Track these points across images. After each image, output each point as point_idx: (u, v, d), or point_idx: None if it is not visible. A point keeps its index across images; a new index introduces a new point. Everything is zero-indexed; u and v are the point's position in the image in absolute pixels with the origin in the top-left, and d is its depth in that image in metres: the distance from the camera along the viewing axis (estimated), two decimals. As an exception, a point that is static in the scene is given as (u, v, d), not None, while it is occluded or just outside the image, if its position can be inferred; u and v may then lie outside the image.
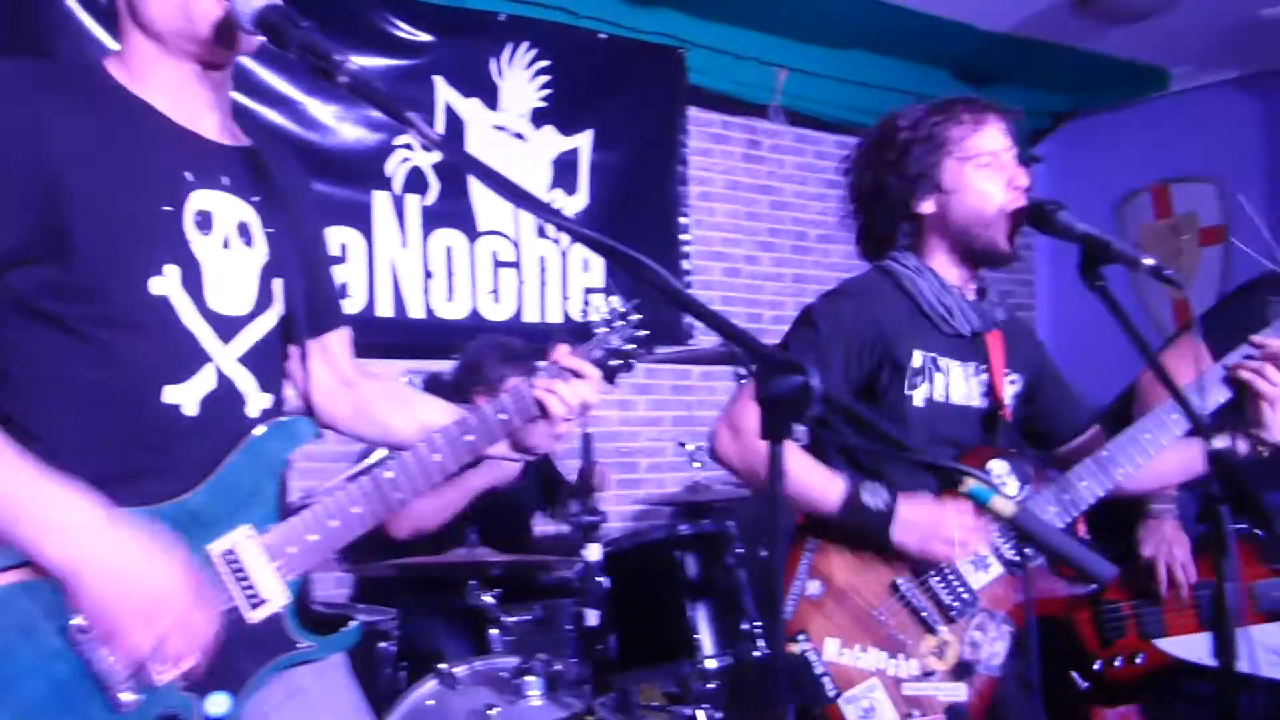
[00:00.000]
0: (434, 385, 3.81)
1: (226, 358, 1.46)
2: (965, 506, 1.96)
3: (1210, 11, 4.65)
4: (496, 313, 4.20)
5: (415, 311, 4.02)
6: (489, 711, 2.52)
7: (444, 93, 4.14)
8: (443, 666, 2.69)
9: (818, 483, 1.96)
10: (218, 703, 1.40)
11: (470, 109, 4.19)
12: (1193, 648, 2.44)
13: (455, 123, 4.17)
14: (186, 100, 1.47)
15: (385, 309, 3.96)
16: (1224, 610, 1.63)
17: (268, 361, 1.52)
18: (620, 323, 1.74)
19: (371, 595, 3.39)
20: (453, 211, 4.12)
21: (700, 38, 4.72)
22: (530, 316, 4.28)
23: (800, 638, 1.97)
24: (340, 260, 3.88)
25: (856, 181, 2.23)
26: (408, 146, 4.04)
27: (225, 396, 1.45)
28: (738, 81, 4.94)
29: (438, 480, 1.56)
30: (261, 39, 1.41)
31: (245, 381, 1.48)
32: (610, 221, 4.51)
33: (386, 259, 3.99)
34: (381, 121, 4.00)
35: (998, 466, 2.06)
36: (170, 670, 1.35)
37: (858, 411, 1.10)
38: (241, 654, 1.42)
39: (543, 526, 3.77)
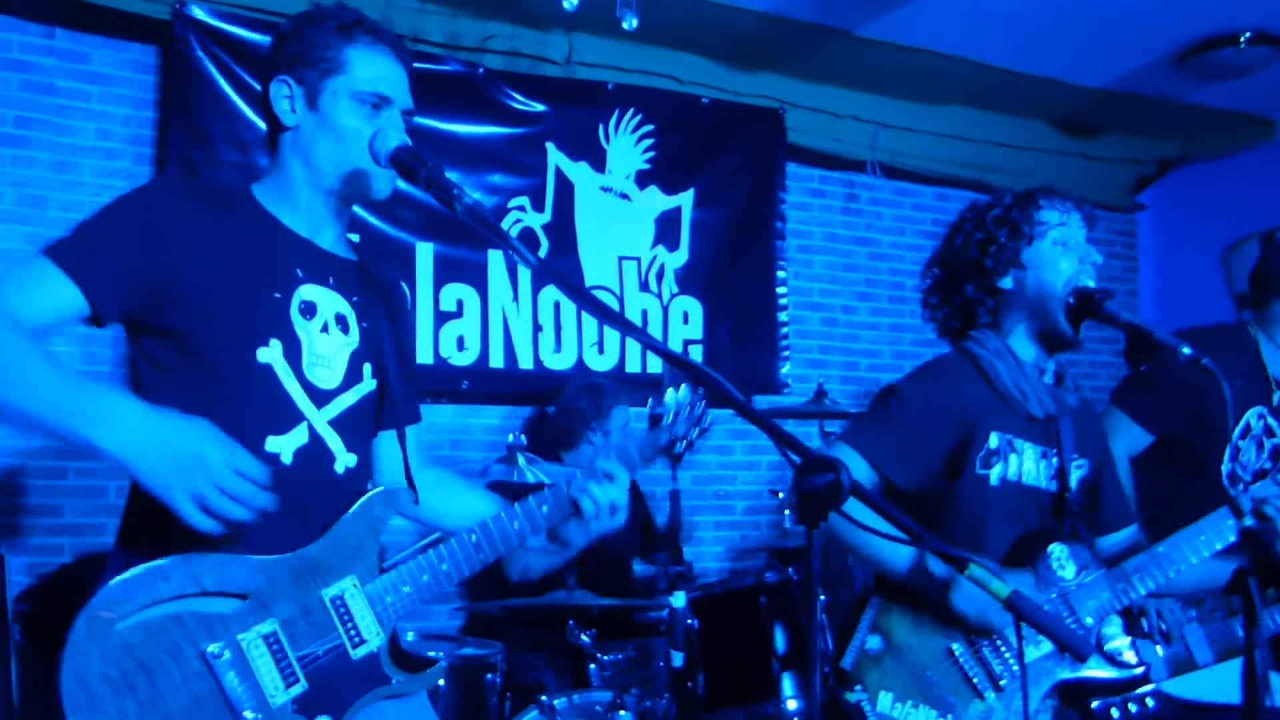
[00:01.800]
0: (541, 429, 4.09)
1: (319, 420, 1.76)
2: (1024, 584, 2.12)
3: (1315, 63, 4.66)
4: (600, 363, 4.46)
5: (525, 362, 4.31)
6: (584, 742, 2.75)
7: (555, 157, 4.44)
8: (544, 698, 2.93)
9: (887, 547, 2.13)
10: None
11: (579, 172, 4.48)
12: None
13: (565, 185, 4.46)
14: (313, 219, 1.82)
15: (497, 360, 4.25)
16: (1254, 676, 1.75)
17: (354, 427, 1.82)
18: (686, 410, 1.95)
19: (480, 629, 3.66)
20: (562, 268, 4.41)
21: (799, 98, 4.93)
22: (632, 367, 4.52)
23: (857, 689, 2.14)
24: (457, 315, 4.19)
25: (946, 258, 2.37)
26: (521, 209, 4.35)
27: (316, 451, 1.75)
28: (836, 138, 5.12)
29: (504, 551, 1.81)
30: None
31: (334, 441, 1.78)
32: (711, 275, 4.74)
33: (499, 313, 4.28)
34: (497, 185, 4.32)
35: (1058, 550, 2.18)
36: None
37: (874, 498, 1.28)
38: (344, 685, 1.70)
39: (642, 569, 3.99)
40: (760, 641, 2.86)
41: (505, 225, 4.32)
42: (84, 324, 1.67)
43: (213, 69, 3.88)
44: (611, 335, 4.49)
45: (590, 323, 4.44)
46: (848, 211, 5.29)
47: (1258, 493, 2.14)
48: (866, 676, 2.12)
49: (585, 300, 1.52)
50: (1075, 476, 2.29)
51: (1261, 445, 2.80)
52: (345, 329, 1.82)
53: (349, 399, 1.81)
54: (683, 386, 1.91)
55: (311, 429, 1.76)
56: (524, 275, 4.32)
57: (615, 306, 4.51)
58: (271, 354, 1.72)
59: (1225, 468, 2.77)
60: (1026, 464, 2.23)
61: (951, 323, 2.38)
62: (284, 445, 1.72)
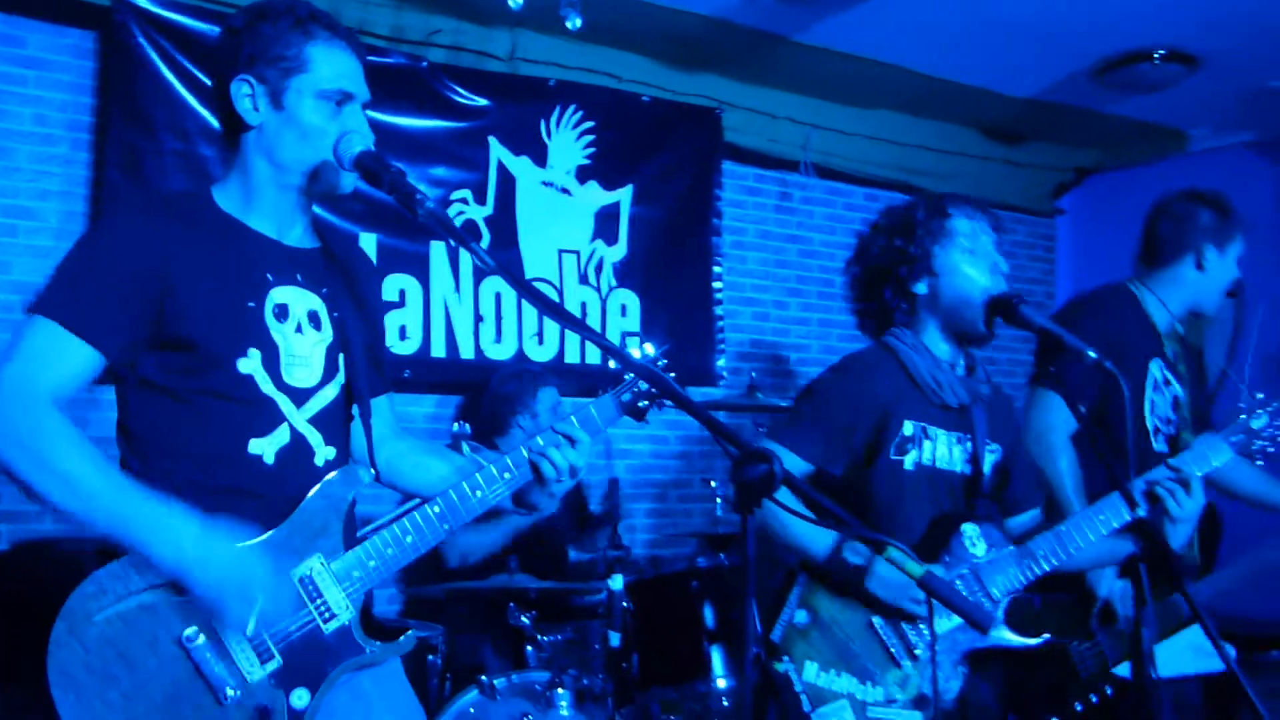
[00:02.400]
0: (473, 418, 4.18)
1: (299, 419, 1.85)
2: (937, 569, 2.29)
3: (1226, 80, 4.91)
4: (540, 354, 4.55)
5: (466, 352, 4.39)
6: (524, 719, 2.85)
7: (497, 151, 4.52)
8: (484, 678, 3.02)
9: (810, 534, 2.29)
10: (300, 696, 1.77)
11: (521, 166, 4.57)
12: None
13: (506, 179, 4.54)
14: (279, 218, 1.88)
15: (439, 350, 4.33)
16: (1141, 653, 1.93)
17: (332, 421, 1.90)
18: (650, 367, 2.01)
19: (420, 613, 3.75)
20: (502, 260, 4.48)
21: (736, 99, 5.06)
22: (571, 358, 4.62)
23: (785, 659, 2.29)
24: (399, 305, 4.26)
25: (866, 264, 2.54)
26: (463, 201, 4.43)
27: (297, 449, 1.84)
28: (771, 139, 5.26)
29: (468, 519, 1.90)
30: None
31: (314, 437, 1.87)
32: (648, 269, 4.86)
33: (441, 303, 4.36)
34: (440, 178, 4.39)
35: (970, 530, 2.36)
36: (257, 672, 1.72)
37: (804, 487, 1.41)
38: (319, 658, 1.79)
39: (576, 555, 4.11)
40: (692, 623, 2.99)
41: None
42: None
43: (155, 56, 3.89)
44: (551, 326, 4.58)
45: (530, 313, 4.54)
46: (781, 210, 5.44)
47: (1151, 475, 2.33)
48: (793, 648, 2.28)
49: (540, 301, 1.62)
50: (989, 461, 2.46)
51: (1163, 395, 2.98)
52: (318, 325, 1.89)
53: (327, 395, 1.89)
54: (649, 345, 2.00)
55: (292, 428, 1.84)
56: (465, 266, 4.40)
57: (555, 298, 4.61)
58: (251, 364, 1.79)
59: (1149, 422, 2.92)
60: (940, 449, 2.40)
61: (870, 321, 2.55)
62: (266, 447, 1.81)
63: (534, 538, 3.69)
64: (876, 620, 2.31)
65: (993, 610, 2.30)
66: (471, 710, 3.02)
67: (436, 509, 1.87)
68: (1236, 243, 3.07)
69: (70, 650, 1.62)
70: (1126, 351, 2.84)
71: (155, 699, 1.66)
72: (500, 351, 4.47)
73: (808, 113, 5.26)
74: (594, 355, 4.67)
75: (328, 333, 1.90)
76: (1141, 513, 1.96)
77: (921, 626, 2.28)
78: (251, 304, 1.80)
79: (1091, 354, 2.10)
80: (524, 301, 4.53)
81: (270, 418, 1.81)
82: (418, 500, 1.91)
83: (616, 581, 2.82)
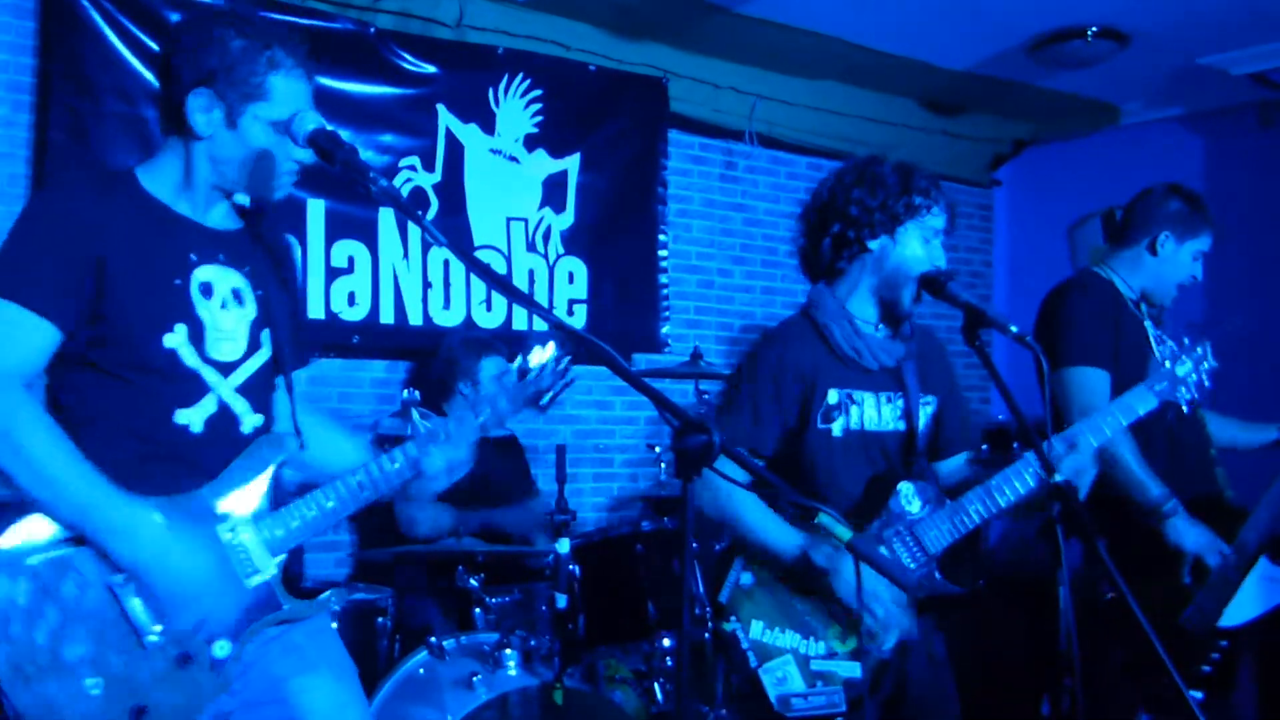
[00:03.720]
0: (421, 382, 4.23)
1: (225, 389, 1.94)
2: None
3: (1156, 57, 5.05)
4: (488, 320, 4.60)
5: (415, 319, 4.42)
6: (472, 679, 2.93)
7: (445, 119, 4.53)
8: (432, 640, 3.10)
9: (774, 535, 2.40)
10: (221, 646, 1.86)
11: (469, 134, 4.59)
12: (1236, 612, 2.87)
13: (455, 146, 4.56)
14: (200, 202, 1.96)
15: (388, 316, 4.36)
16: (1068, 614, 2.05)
17: (258, 391, 2.00)
18: (552, 365, 2.16)
19: (369, 575, 3.82)
20: (450, 228, 4.51)
21: (682, 68, 5.11)
22: (519, 324, 4.68)
23: (732, 619, 2.40)
24: (348, 271, 4.28)
25: (830, 207, 2.55)
26: (411, 168, 4.44)
27: (224, 418, 1.94)
28: (716, 108, 5.32)
29: (384, 493, 2.01)
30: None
31: (240, 405, 1.96)
32: (595, 237, 4.91)
33: (389, 270, 4.38)
34: (387, 145, 4.40)
35: (905, 488, 2.47)
36: (205, 636, 1.81)
37: (741, 456, 1.50)
38: (240, 611, 1.88)
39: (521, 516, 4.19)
40: (636, 584, 3.09)
41: (396, 184, 4.41)
42: None
43: (97, 17, 3.85)
44: (498, 293, 4.63)
45: (479, 281, 4.58)
46: (725, 179, 5.52)
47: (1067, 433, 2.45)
48: (740, 608, 2.40)
49: (489, 276, 1.69)
50: (924, 414, 2.57)
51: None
52: (241, 302, 1.97)
53: (252, 365, 1.98)
54: (550, 343, 2.10)
55: (219, 399, 1.92)
56: (414, 233, 4.42)
57: (503, 266, 4.65)
58: (176, 339, 1.87)
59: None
60: (869, 412, 2.51)
61: (810, 260, 2.61)
62: (193, 416, 1.89)
63: (483, 502, 3.77)
64: None
65: (924, 568, 2.42)
66: (421, 671, 3.09)
67: (358, 478, 1.98)
68: (1198, 240, 3.15)
69: (2, 588, 1.69)
70: (1121, 318, 3.08)
71: (81, 638, 1.73)
72: (449, 318, 4.51)
73: (752, 83, 5.32)
74: (542, 322, 4.71)
75: (251, 308, 1.99)
76: (1059, 478, 2.07)
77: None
78: (177, 281, 1.89)
79: (1013, 328, 2.21)
80: (491, 288, 4.57)
81: (195, 389, 1.90)
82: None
83: (564, 545, 2.91)
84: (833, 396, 2.47)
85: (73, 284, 1.77)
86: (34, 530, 1.74)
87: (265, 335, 2.00)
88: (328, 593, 2.02)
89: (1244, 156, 5.59)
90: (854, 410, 2.49)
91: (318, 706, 1.98)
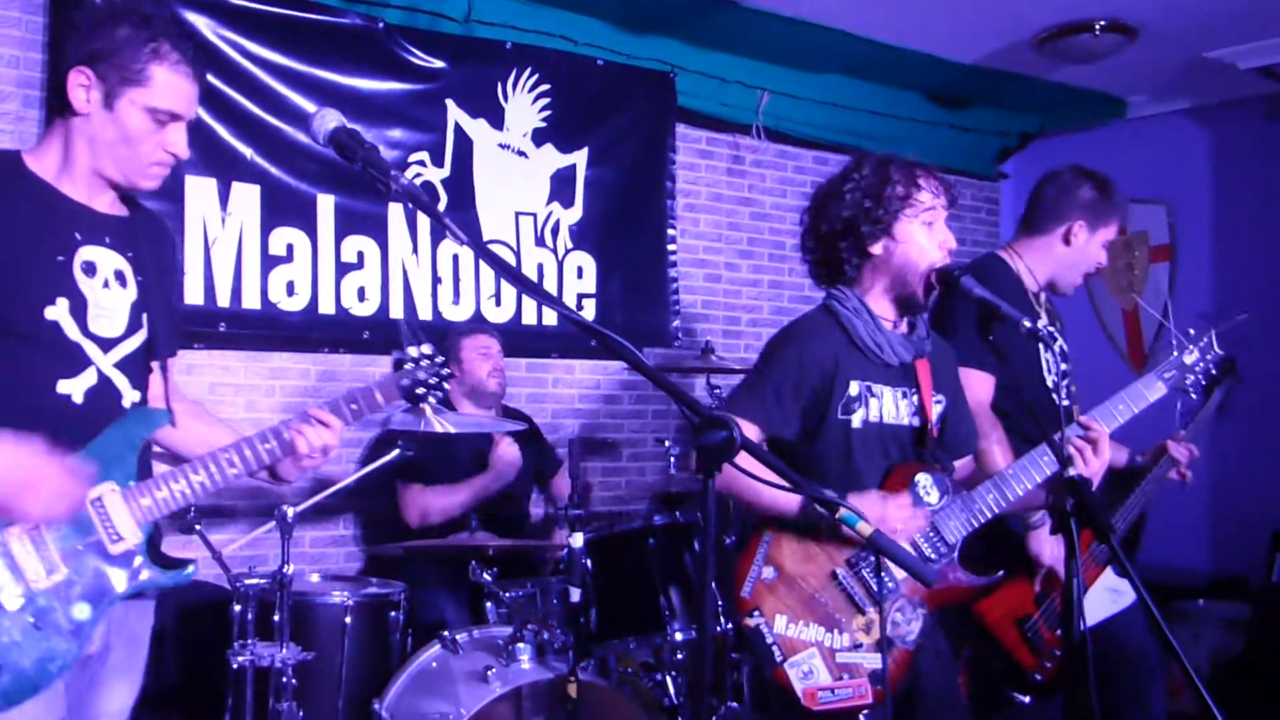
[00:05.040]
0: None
1: (106, 363, 1.99)
2: (904, 501, 2.42)
3: (1164, 50, 5.06)
4: (497, 315, 4.62)
5: (424, 313, 4.43)
6: (487, 673, 2.95)
7: (454, 114, 4.54)
8: (446, 634, 3.13)
9: (781, 495, 2.39)
10: (82, 609, 1.87)
11: (478, 129, 4.60)
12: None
13: (464, 141, 4.57)
14: (90, 188, 2.01)
15: (397, 311, 4.37)
16: (1072, 602, 2.07)
17: (136, 368, 2.05)
18: (426, 362, 2.18)
19: (381, 571, 3.83)
20: (460, 222, 4.33)
21: (689, 63, 5.12)
22: (528, 319, 4.69)
23: (755, 613, 2.42)
24: (358, 267, 4.29)
25: (828, 216, 2.58)
26: (421, 163, 4.45)
27: (104, 391, 1.98)
28: (723, 103, 5.33)
29: (255, 470, 2.03)
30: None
31: (120, 381, 2.01)
32: (604, 231, 4.93)
33: (399, 265, 4.39)
34: (398, 141, 4.41)
35: (924, 479, 2.49)
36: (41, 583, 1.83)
37: (762, 452, 1.51)
38: (101, 577, 1.90)
39: (536, 509, 4.22)
40: (649, 579, 3.09)
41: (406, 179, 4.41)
42: None
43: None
44: (509, 288, 4.65)
45: (488, 275, 4.59)
46: (732, 173, 5.53)
47: (1066, 432, 2.46)
48: (764, 603, 2.41)
49: (510, 273, 1.70)
50: (936, 412, 2.59)
51: (1053, 351, 3.08)
52: (124, 283, 2.03)
53: (131, 344, 2.03)
54: (426, 344, 2.12)
55: (100, 372, 1.97)
56: (423, 228, 4.43)
57: (511, 261, 4.66)
58: (58, 311, 1.92)
59: (1048, 380, 2.97)
60: (887, 406, 2.52)
61: (821, 271, 2.64)
62: (74, 387, 1.94)
63: (495, 496, 3.79)
64: (839, 571, 2.43)
65: (944, 558, 2.44)
66: (434, 665, 3.12)
67: (228, 456, 2.00)
68: (1109, 229, 3.07)
69: None
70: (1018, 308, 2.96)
71: None
72: (458, 313, 4.52)
73: (759, 77, 5.33)
74: (550, 317, 4.74)
75: (132, 291, 2.04)
76: (1072, 472, 2.08)
77: (883, 575, 2.41)
78: (60, 258, 1.94)
79: (1027, 323, 2.22)
80: (481, 263, 4.58)
81: (77, 361, 1.95)
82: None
83: (578, 539, 2.92)
84: (854, 389, 2.48)
85: None
86: None
87: (145, 318, 2.06)
88: (191, 566, 2.02)
89: (1251, 150, 5.59)
90: (873, 403, 2.50)
91: (107, 708, 2.06)
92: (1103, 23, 4.73)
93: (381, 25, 4.34)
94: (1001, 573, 2.51)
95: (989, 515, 2.49)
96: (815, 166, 5.76)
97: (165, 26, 1.97)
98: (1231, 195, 5.68)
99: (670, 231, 5.16)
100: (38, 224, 1.93)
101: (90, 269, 1.97)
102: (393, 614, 3.37)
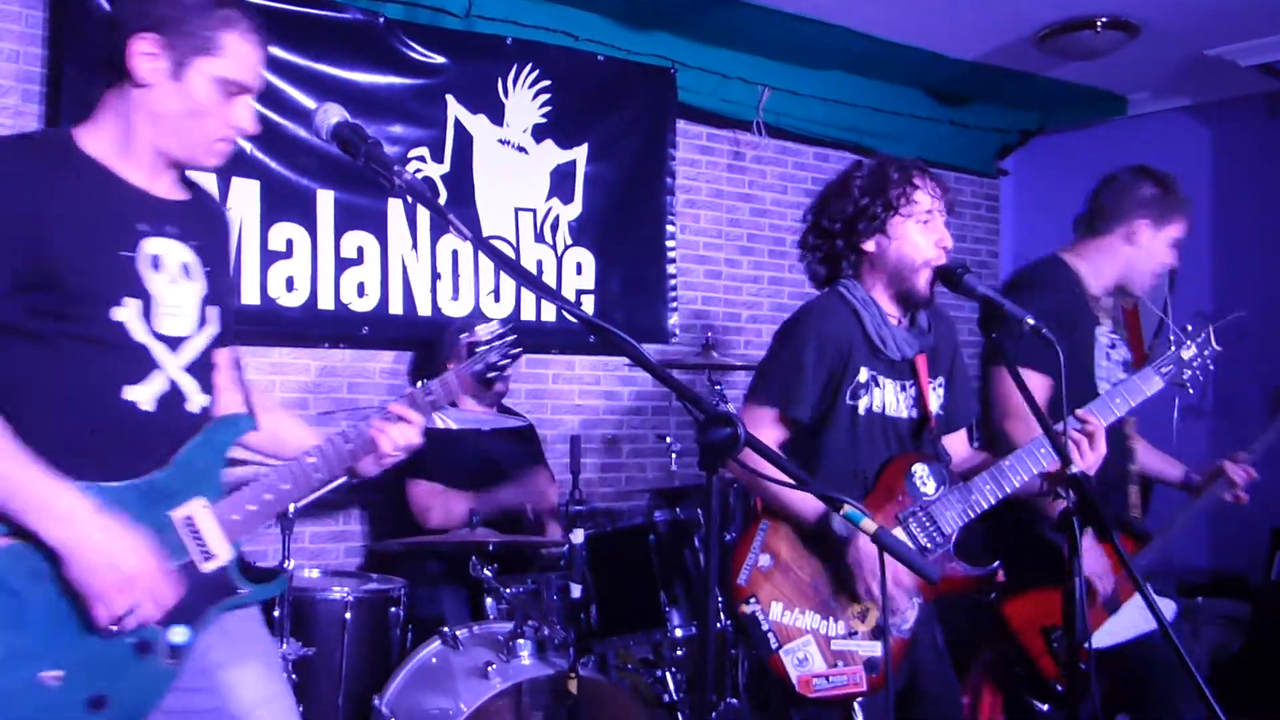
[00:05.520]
0: (423, 372, 4.27)
1: (174, 366, 1.87)
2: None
3: (1165, 48, 5.05)
4: (496, 311, 4.60)
5: (424, 309, 4.42)
6: (486, 668, 2.95)
7: (454, 109, 4.53)
8: (446, 629, 3.12)
9: (799, 498, 2.43)
10: (179, 633, 1.83)
11: (478, 125, 4.59)
12: (1103, 636, 2.86)
13: (464, 137, 4.56)
14: (146, 170, 1.87)
15: (396, 306, 4.36)
16: (1073, 599, 2.07)
17: (205, 370, 1.95)
18: (498, 343, 2.15)
19: (381, 566, 3.83)
20: (459, 218, 4.45)
21: (690, 58, 5.11)
22: (527, 315, 4.69)
23: (752, 600, 2.43)
24: (358, 262, 4.28)
25: (827, 212, 2.62)
26: (421, 159, 4.44)
27: (173, 396, 1.86)
28: (724, 99, 5.33)
29: (347, 466, 1.99)
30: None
31: (188, 384, 1.89)
32: (603, 227, 4.92)
33: (399, 260, 4.39)
34: (398, 136, 4.40)
35: (920, 469, 2.51)
36: (138, 620, 1.77)
37: (766, 448, 1.51)
38: (197, 596, 1.85)
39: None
40: (649, 575, 3.10)
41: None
42: None
43: (107, 7, 3.84)
44: (508, 283, 4.64)
45: (487, 271, 4.58)
46: (733, 169, 5.52)
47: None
48: (760, 590, 2.42)
49: (514, 269, 1.69)
50: (935, 400, 2.61)
51: (1112, 360, 3.03)
52: (191, 276, 1.90)
53: (199, 342, 1.91)
54: (494, 321, 2.09)
55: (169, 377, 1.85)
56: (423, 224, 4.43)
57: (511, 256, 4.65)
58: (126, 312, 1.79)
59: (1100, 389, 2.93)
60: (888, 397, 2.55)
61: (819, 268, 2.67)
62: (141, 393, 1.82)
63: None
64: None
65: (944, 544, 2.46)
66: (434, 660, 3.12)
67: (312, 459, 1.94)
68: (1174, 225, 3.01)
69: None
70: (1075, 320, 2.90)
71: (36, 629, 1.69)
72: (457, 309, 4.51)
73: (760, 73, 5.32)
74: (549, 313, 4.74)
75: (200, 283, 1.92)
76: (1074, 469, 2.08)
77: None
78: (126, 253, 1.81)
79: (1030, 320, 2.22)
80: (480, 258, 4.58)
81: (144, 364, 1.82)
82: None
83: (578, 535, 2.92)
84: (863, 375, 2.51)
85: (3, 259, 1.69)
86: None
87: (212, 313, 1.95)
88: (281, 577, 1.99)
89: (1251, 147, 5.59)
90: (876, 393, 2.53)
91: (248, 697, 1.94)
92: (1104, 20, 4.72)
93: (382, 20, 4.33)
94: (998, 563, 2.51)
95: (986, 506, 2.50)
96: (816, 163, 5.75)
97: None
98: (1232, 193, 5.68)
99: (670, 228, 5.15)
100: (98, 214, 1.78)
101: (157, 263, 1.84)
102: (393, 610, 3.37)
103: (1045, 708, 2.93)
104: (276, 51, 4.14)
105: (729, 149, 5.50)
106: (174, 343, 1.87)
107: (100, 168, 1.81)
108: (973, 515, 2.48)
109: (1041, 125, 6.30)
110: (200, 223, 1.95)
